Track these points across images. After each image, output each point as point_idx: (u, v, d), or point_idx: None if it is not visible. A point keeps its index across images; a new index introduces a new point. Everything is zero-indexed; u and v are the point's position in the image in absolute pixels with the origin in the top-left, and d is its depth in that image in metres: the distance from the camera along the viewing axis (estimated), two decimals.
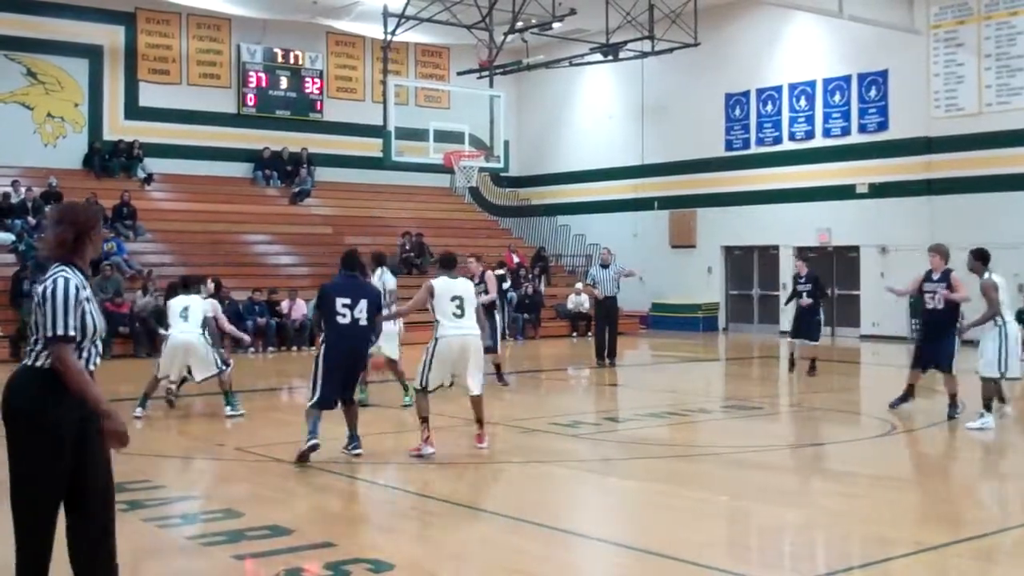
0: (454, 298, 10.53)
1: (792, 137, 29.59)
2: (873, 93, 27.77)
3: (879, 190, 27.44)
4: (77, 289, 4.91)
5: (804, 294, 18.82)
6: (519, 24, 26.75)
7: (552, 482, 9.87)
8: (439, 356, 10.43)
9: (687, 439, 12.60)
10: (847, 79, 28.30)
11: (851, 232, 27.98)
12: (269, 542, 7.31)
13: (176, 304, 13.63)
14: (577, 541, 7.82)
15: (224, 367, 13.58)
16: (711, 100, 31.09)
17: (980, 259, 12.61)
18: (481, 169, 29.04)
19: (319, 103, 33.23)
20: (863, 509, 8.68)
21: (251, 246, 29.06)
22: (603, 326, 20.31)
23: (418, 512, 8.35)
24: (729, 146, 31.01)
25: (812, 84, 29.10)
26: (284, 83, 32.65)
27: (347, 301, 9.95)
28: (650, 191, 32.74)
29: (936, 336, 13.13)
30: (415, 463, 10.29)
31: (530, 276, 29.63)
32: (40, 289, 4.94)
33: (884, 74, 27.48)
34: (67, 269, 4.98)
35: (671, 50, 27.40)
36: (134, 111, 30.40)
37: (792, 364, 18.84)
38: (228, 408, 13.60)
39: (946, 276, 12.97)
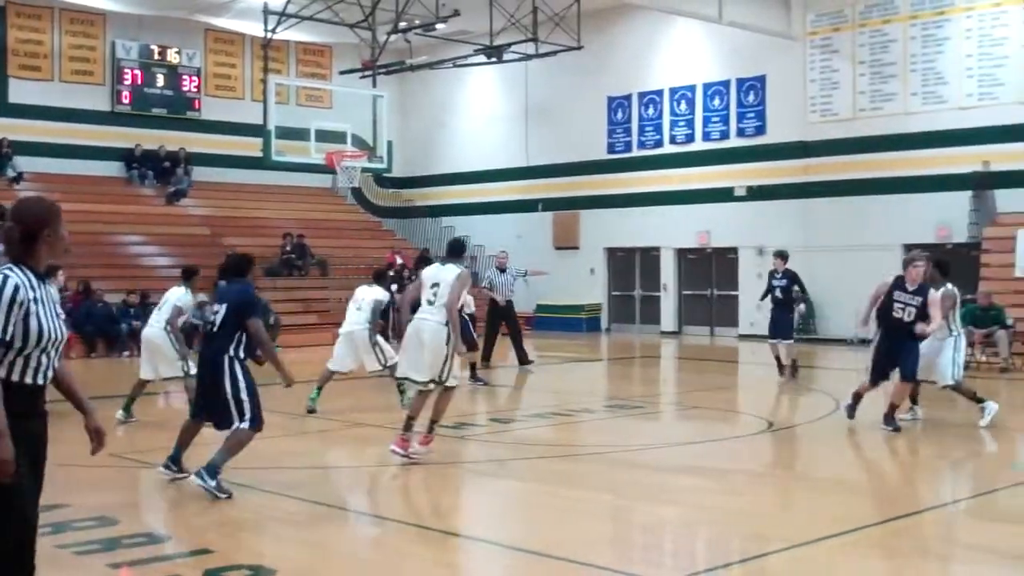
0: (433, 285, 10.33)
1: (673, 140, 29.98)
2: (751, 98, 28.29)
3: (757, 193, 27.97)
4: (16, 289, 4.53)
5: (778, 290, 18.21)
6: (402, 24, 26.60)
7: (439, 484, 9.80)
8: (405, 342, 10.41)
9: (571, 439, 12.65)
10: (726, 84, 28.79)
11: (729, 234, 28.46)
12: (145, 550, 7.11)
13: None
14: (464, 543, 7.77)
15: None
16: (594, 103, 31.33)
17: (939, 269, 12.69)
18: (364, 169, 28.82)
19: (197, 101, 32.61)
20: (742, 506, 8.81)
21: (125, 247, 28.37)
22: (494, 330, 20.00)
23: (304, 517, 8.20)
24: (611, 149, 31.29)
25: (692, 88, 29.52)
26: (160, 80, 31.96)
27: (216, 308, 9.27)
28: (534, 193, 32.88)
29: (900, 344, 12.28)
30: (301, 468, 10.13)
31: (413, 278, 29.45)
32: None
33: (762, 79, 28.00)
34: (13, 269, 4.62)
35: (554, 53, 27.53)
36: (3, 108, 29.42)
37: (781, 366, 17.91)
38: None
39: (923, 291, 12.26)
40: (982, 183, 24.06)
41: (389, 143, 29.10)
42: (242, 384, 8.79)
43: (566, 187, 32.00)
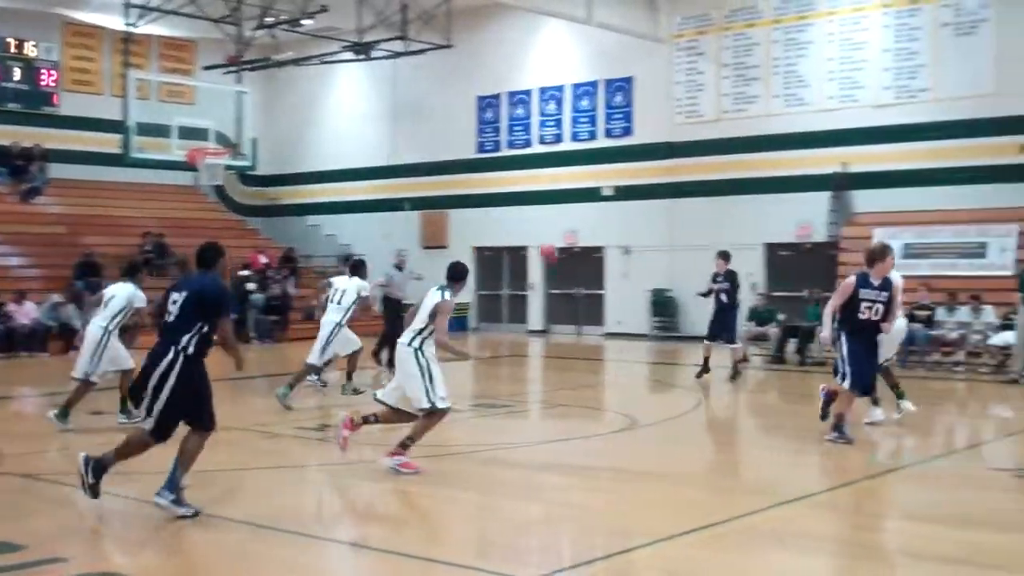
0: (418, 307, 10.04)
1: (542, 140, 30.07)
2: (619, 99, 28.54)
3: (624, 193, 28.22)
4: None
5: (722, 293, 18.02)
6: (268, 20, 26.17)
7: (300, 487, 9.58)
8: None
9: (438, 439, 12.47)
10: (594, 85, 28.99)
11: (597, 233, 28.66)
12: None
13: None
14: (326, 546, 7.57)
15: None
16: (463, 102, 31.25)
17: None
18: (227, 167, 28.28)
19: (54, 96, 31.54)
20: (606, 502, 8.81)
21: None
22: (393, 327, 19.47)
23: (161, 523, 7.89)
24: (481, 148, 31.24)
25: (561, 89, 29.65)
26: (16, 74, 30.81)
27: (174, 296, 8.32)
28: (402, 192, 32.64)
29: (873, 346, 11.52)
30: (160, 475, 9.77)
31: (278, 278, 28.97)
32: None
33: (629, 81, 28.27)
34: None
35: (424, 51, 27.38)
36: None
37: (706, 369, 17.61)
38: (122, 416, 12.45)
39: (888, 285, 11.37)
40: (841, 184, 24.66)
41: (254, 140, 28.63)
42: (195, 385, 7.97)
43: (435, 186, 31.85)
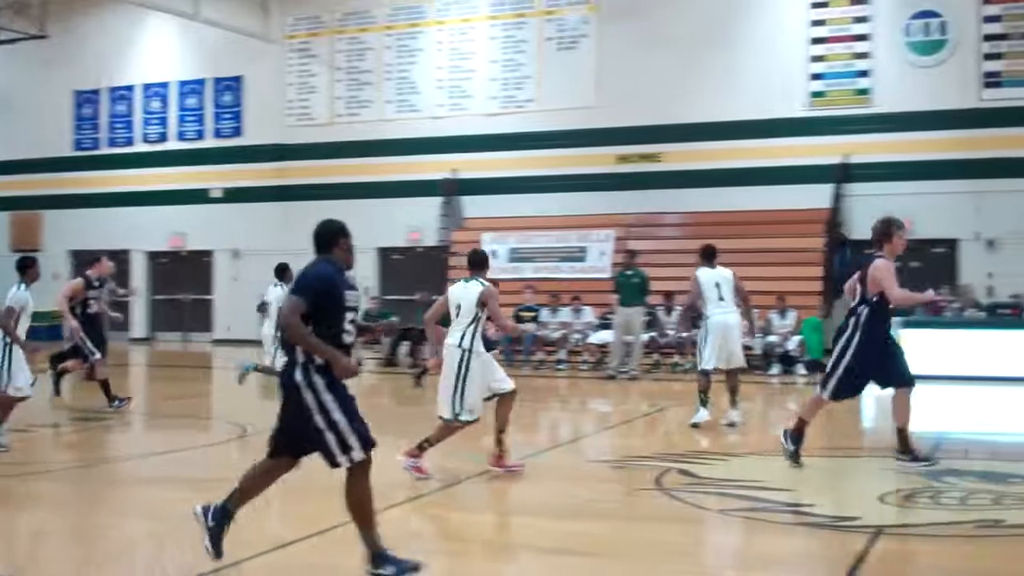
0: (456, 305, 9.44)
1: (146, 139, 28.81)
2: (228, 99, 27.78)
3: (233, 195, 27.46)
4: None
5: None
6: None
7: None
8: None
9: (32, 456, 11.48)
10: (202, 83, 28.07)
11: (205, 236, 27.72)
12: None
13: None
14: None
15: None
16: (60, 96, 29.40)
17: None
18: None
19: None
20: None
21: None
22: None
23: None
24: (78, 145, 29.53)
25: (167, 86, 28.52)
26: None
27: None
28: None
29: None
30: None
31: None
32: None
33: (239, 80, 27.60)
34: None
35: (15, 40, 25.51)
36: None
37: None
38: None
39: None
40: (451, 190, 25.15)
41: None
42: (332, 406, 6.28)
43: (26, 185, 29.72)
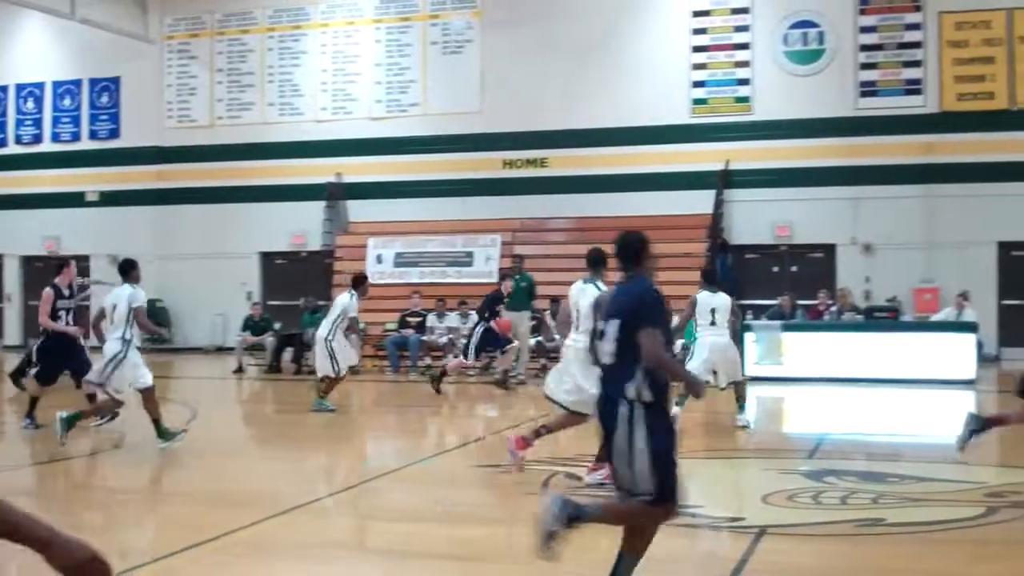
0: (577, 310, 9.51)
1: (19, 140, 27.96)
2: (105, 100, 27.11)
3: (110, 198, 26.78)
4: None
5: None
6: None
7: None
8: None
9: None
10: (78, 83, 27.34)
11: (81, 240, 26.93)
12: None
13: None
14: None
15: None
16: None
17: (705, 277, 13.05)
18: None
19: None
20: (103, 521, 8.13)
21: None
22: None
23: None
24: None
25: (41, 86, 27.71)
26: None
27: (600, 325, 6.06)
28: None
29: None
30: None
31: None
32: None
33: (116, 81, 26.95)
34: None
35: None
36: None
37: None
38: None
39: None
40: (335, 194, 24.90)
41: None
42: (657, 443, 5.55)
43: None
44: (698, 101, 23.13)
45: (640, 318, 5.47)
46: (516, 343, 18.19)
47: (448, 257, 23.29)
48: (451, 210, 23.82)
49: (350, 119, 25.02)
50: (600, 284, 9.33)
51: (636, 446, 5.44)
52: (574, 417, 9.58)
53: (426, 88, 24.54)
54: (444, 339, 20.64)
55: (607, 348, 5.62)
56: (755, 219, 22.29)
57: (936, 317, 20.13)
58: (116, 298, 11.37)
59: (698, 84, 23.14)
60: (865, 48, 22.29)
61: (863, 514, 8.12)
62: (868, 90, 22.26)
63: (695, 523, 7.82)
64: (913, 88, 22.08)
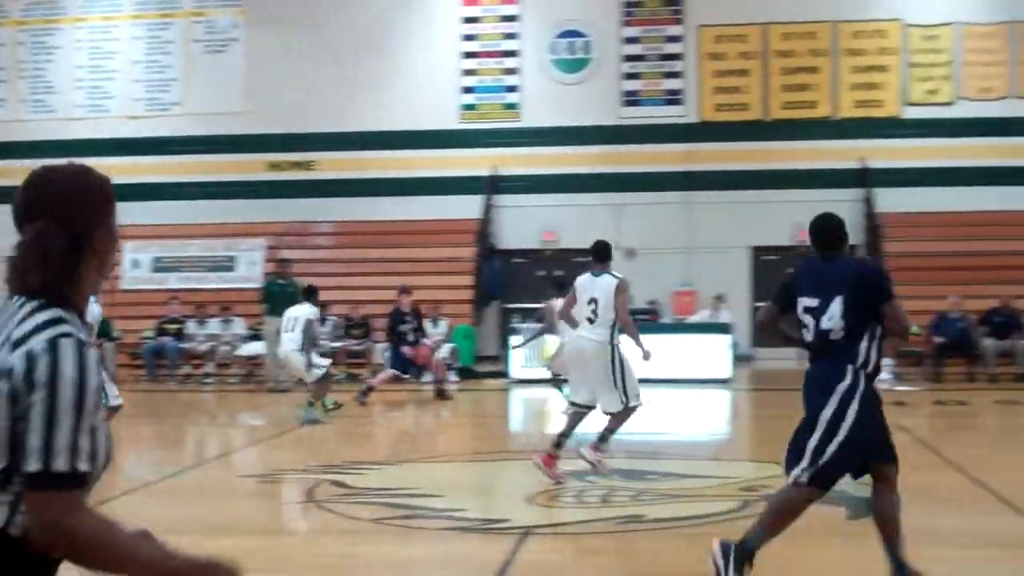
0: (591, 300, 9.22)
1: None
2: None
3: None
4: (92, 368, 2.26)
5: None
6: None
7: None
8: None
9: None
10: None
11: None
12: None
13: None
14: None
15: None
16: None
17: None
18: None
19: None
20: None
21: None
22: None
23: None
24: None
25: None
26: None
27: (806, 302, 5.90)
28: None
29: None
30: None
31: None
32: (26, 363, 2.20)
33: None
34: (65, 317, 2.29)
35: None
36: None
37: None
38: None
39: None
40: None
41: None
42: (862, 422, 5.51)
43: None
44: (467, 107, 23.23)
45: (880, 291, 5.56)
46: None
47: (209, 261, 22.60)
48: (212, 213, 23.09)
49: (107, 117, 23.95)
50: (615, 273, 9.30)
51: (848, 419, 5.43)
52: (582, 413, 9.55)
53: (187, 87, 23.76)
54: (205, 346, 19.98)
55: (830, 324, 5.55)
56: (522, 224, 22.50)
57: (693, 319, 20.82)
58: None
59: (467, 90, 23.24)
60: (629, 58, 22.87)
61: (624, 511, 8.22)
62: (631, 99, 22.84)
63: (459, 526, 7.76)
64: (674, 98, 22.79)
